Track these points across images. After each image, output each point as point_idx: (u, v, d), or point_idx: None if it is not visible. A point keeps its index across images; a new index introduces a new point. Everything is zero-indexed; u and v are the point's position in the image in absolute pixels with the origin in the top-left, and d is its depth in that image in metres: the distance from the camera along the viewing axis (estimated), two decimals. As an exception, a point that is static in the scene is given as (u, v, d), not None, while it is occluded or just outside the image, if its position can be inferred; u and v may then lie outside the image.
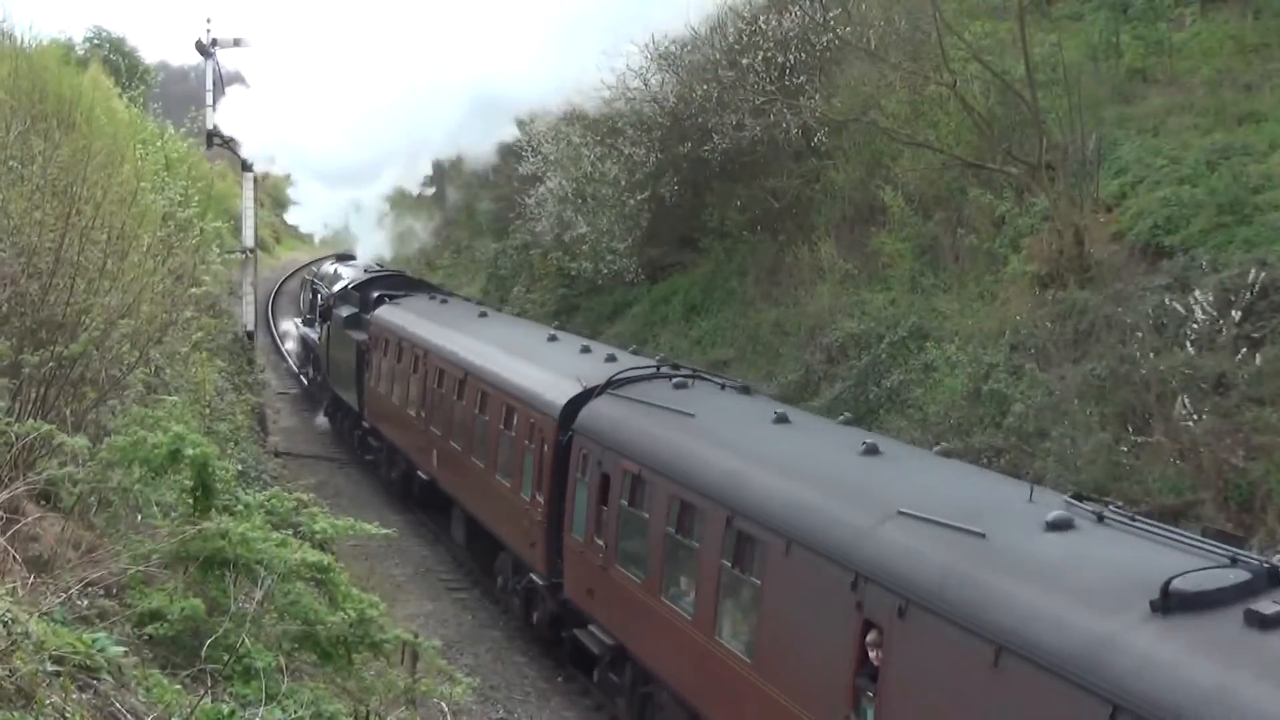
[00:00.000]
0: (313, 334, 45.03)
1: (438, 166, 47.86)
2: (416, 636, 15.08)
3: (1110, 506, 13.29)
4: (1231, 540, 11.85)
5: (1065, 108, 27.47)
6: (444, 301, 36.53)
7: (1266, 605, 9.80)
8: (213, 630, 11.26)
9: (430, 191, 53.90)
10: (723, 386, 21.71)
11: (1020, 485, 14.70)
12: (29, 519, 11.50)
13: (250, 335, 44.15)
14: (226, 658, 10.92)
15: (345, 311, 38.26)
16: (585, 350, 25.48)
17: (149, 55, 72.75)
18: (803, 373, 30.73)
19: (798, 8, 35.98)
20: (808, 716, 14.01)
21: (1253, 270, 22.06)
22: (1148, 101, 28.81)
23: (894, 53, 32.89)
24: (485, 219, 55.69)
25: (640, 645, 18.75)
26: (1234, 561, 10.92)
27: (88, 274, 15.25)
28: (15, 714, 7.76)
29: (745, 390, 21.67)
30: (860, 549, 13.48)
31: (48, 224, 15.53)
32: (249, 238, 45.63)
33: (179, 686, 9.97)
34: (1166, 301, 22.95)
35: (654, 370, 22.47)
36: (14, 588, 9.56)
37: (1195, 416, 21.09)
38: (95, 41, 63.29)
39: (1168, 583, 10.33)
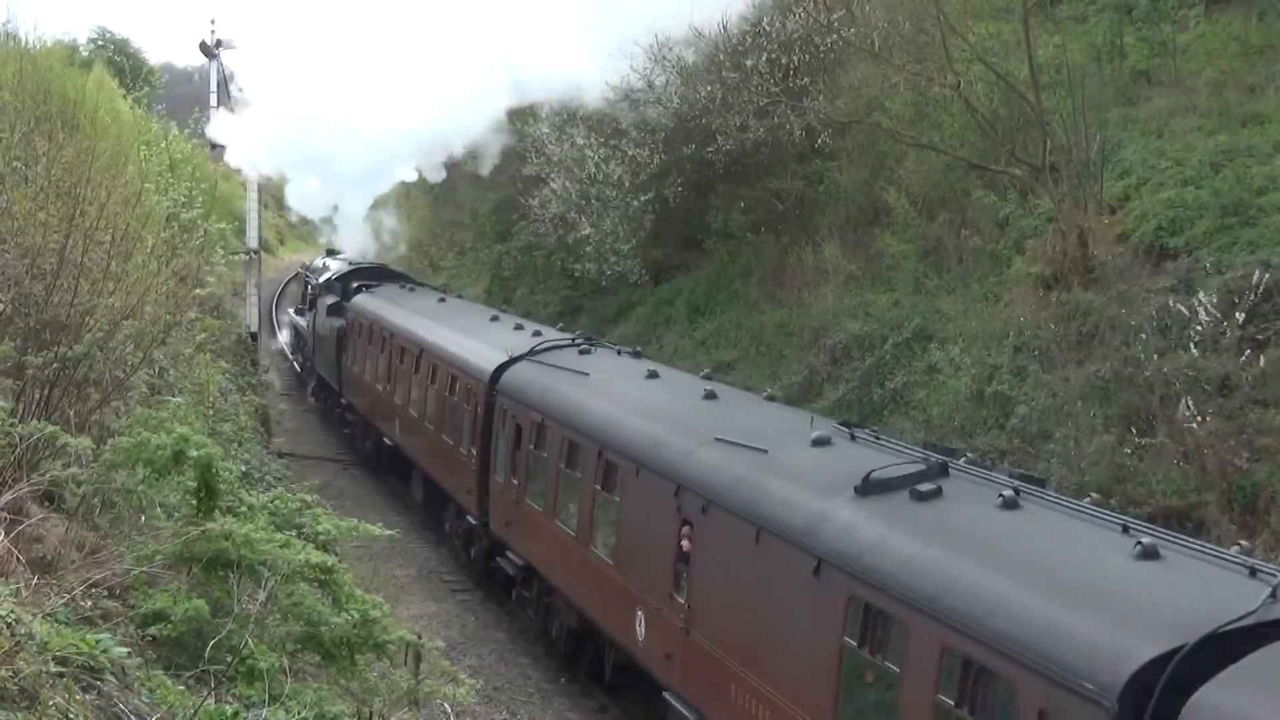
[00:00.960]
0: (302, 322, 48.22)
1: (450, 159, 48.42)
2: (420, 638, 15.11)
3: (867, 430, 18.30)
4: (940, 450, 16.41)
5: (1069, 109, 27.45)
6: (411, 290, 39.99)
7: (927, 487, 14.05)
8: (216, 631, 11.27)
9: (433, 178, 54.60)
10: (619, 352, 25.57)
11: (805, 415, 19.43)
12: (33, 520, 11.50)
13: (254, 336, 44.16)
14: (230, 659, 10.93)
15: (328, 300, 41.41)
16: (519, 327, 29.01)
17: (153, 56, 72.84)
18: (806, 374, 30.72)
19: (802, 9, 35.98)
20: (647, 600, 18.32)
21: (1257, 272, 22.05)
22: (1152, 103, 28.80)
23: (898, 54, 32.88)
24: (489, 221, 55.73)
25: (542, 563, 22.95)
26: (927, 460, 15.22)
27: (92, 275, 15.26)
28: (19, 715, 7.77)
29: (636, 354, 25.43)
30: (683, 466, 17.59)
31: (52, 225, 15.54)
32: (252, 239, 45.67)
33: (182, 687, 9.99)
34: (1170, 303, 22.93)
35: (569, 341, 26.26)
36: (18, 589, 9.57)
37: (1199, 418, 21.07)
38: (99, 43, 63.31)
39: (868, 475, 14.52)
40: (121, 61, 57.63)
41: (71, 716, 8.13)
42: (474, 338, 28.75)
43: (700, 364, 31.05)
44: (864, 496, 14.38)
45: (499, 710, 21.24)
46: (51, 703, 8.08)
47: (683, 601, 17.21)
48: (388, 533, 15.63)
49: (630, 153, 38.87)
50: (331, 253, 51.62)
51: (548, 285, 47.89)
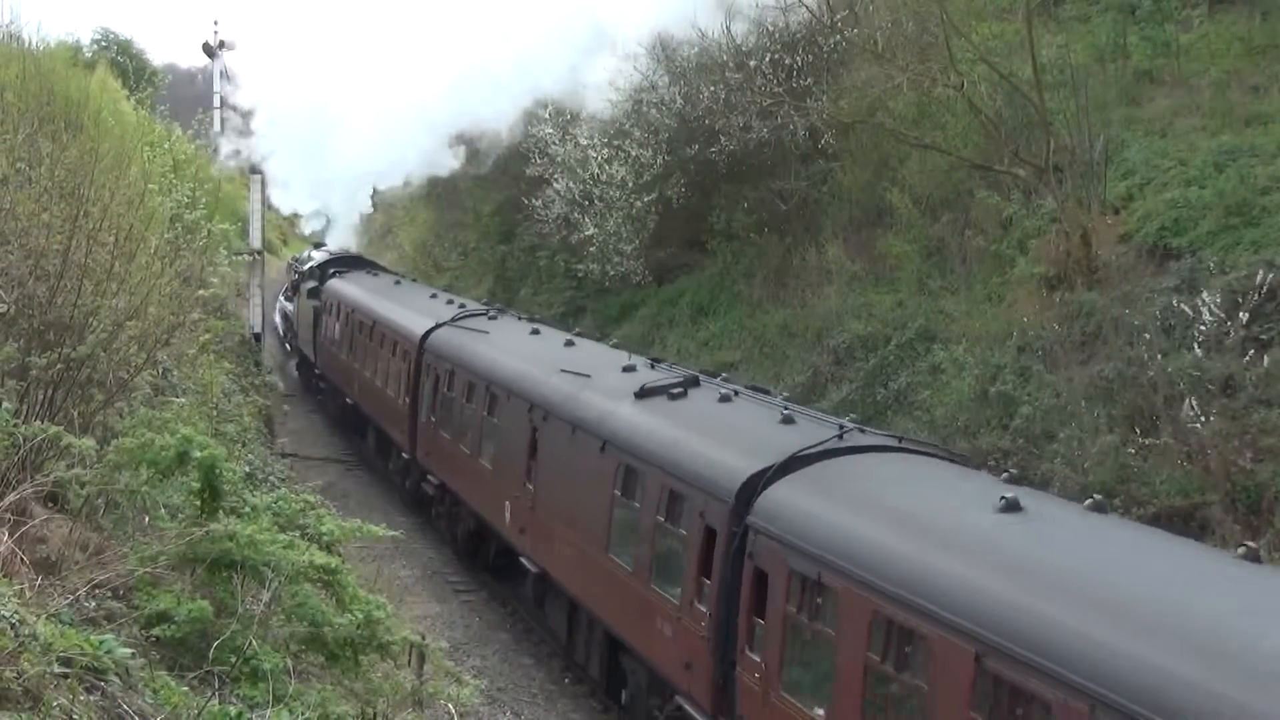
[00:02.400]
0: (289, 306, 54.18)
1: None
2: (424, 638, 15.12)
3: (667, 362, 25.12)
4: (708, 373, 23.00)
5: (1073, 109, 27.45)
6: (375, 275, 45.85)
7: (678, 392, 20.41)
8: (220, 632, 11.28)
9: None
10: (519, 318, 32.18)
11: (625, 354, 24.78)
12: (37, 521, 11.52)
13: (258, 337, 44.25)
14: (234, 659, 10.94)
15: (309, 285, 47.26)
16: (449, 302, 35.47)
17: (156, 57, 72.80)
18: (810, 374, 30.71)
19: (805, 10, 35.99)
20: (511, 491, 24.52)
21: (1260, 272, 22.03)
22: (1155, 103, 28.78)
23: (901, 54, 32.87)
24: (492, 221, 55.80)
25: (451, 480, 29.25)
26: (684, 377, 21.46)
27: (95, 276, 15.26)
28: (23, 715, 7.78)
29: (532, 320, 31.49)
30: (535, 391, 24.01)
31: (55, 226, 15.55)
32: (256, 239, 45.72)
33: (186, 688, 9.99)
34: (1174, 303, 22.92)
35: (483, 312, 32.54)
36: (22, 589, 9.58)
37: (1203, 418, 21.06)
38: (103, 44, 63.24)
39: (643, 385, 20.83)
40: (125, 63, 57.71)
41: (75, 717, 8.14)
42: (412, 310, 35.15)
43: (703, 365, 31.08)
44: (639, 399, 20.53)
45: (503, 711, 21.25)
46: (55, 703, 8.09)
47: (531, 488, 23.56)
48: (391, 533, 15.64)
49: (633, 153, 38.89)
50: (318, 245, 57.47)
51: (551, 286, 47.90)
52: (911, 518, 14.01)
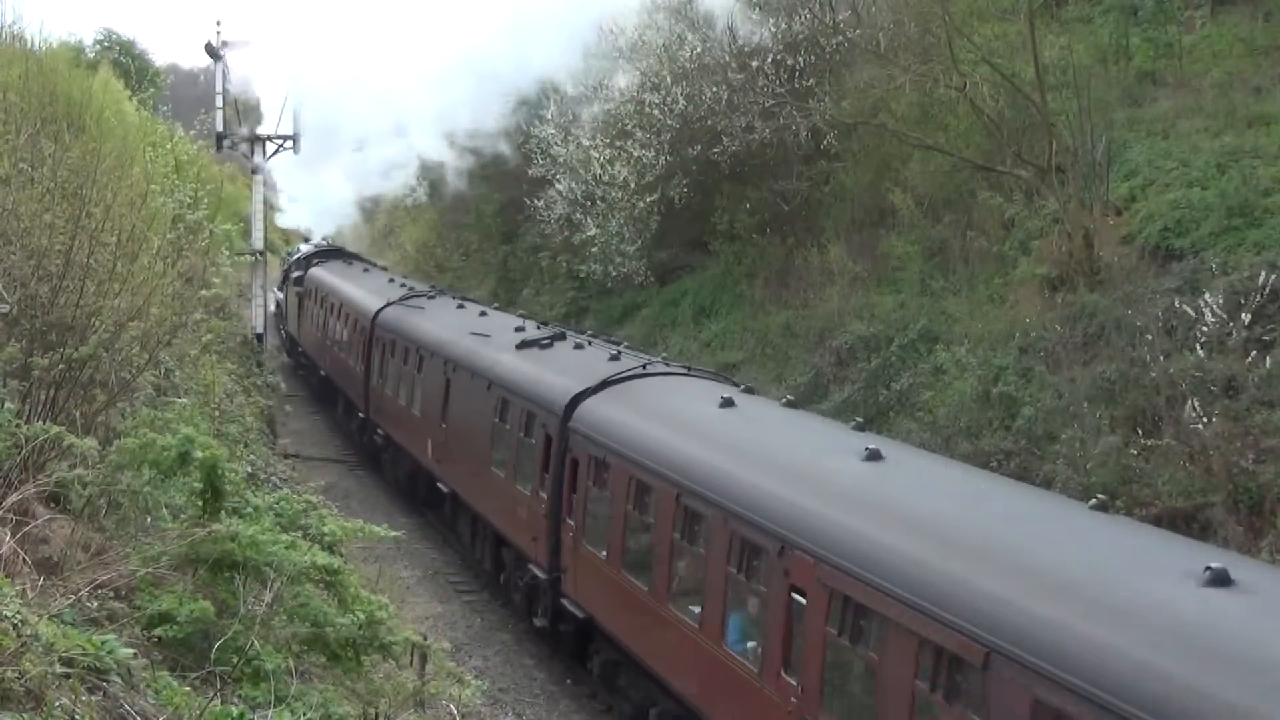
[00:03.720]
0: (280, 295, 58.77)
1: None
2: (425, 639, 15.11)
3: (556, 326, 30.47)
4: (577, 332, 30.66)
5: (1075, 110, 27.44)
6: (349, 264, 50.76)
7: (546, 343, 26.11)
8: (222, 632, 11.27)
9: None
10: (453, 298, 38.25)
11: (522, 320, 31.39)
12: (39, 521, 11.51)
13: (260, 338, 44.27)
14: (236, 660, 10.94)
15: (295, 274, 52.39)
16: (401, 285, 41.07)
17: (159, 58, 72.76)
18: (812, 375, 30.72)
19: (807, 11, 36.00)
20: (431, 430, 29.99)
21: (1263, 273, 22.03)
22: (1157, 104, 28.79)
23: (903, 55, 32.89)
24: (494, 222, 55.85)
25: (393, 430, 34.58)
26: (553, 331, 27.70)
27: (97, 276, 15.25)
28: (25, 715, 7.77)
29: (464, 299, 38.50)
30: (449, 349, 29.57)
31: (58, 226, 15.54)
32: (258, 240, 45.72)
33: (188, 688, 9.98)
34: (1176, 304, 22.92)
35: (426, 294, 38.00)
36: (24, 589, 9.57)
37: (1205, 419, 21.05)
38: (105, 44, 63.24)
39: (522, 340, 26.64)
40: (127, 63, 57.70)
41: (77, 717, 8.14)
42: (370, 292, 40.45)
43: (705, 365, 31.09)
44: (518, 350, 26.28)
45: (504, 711, 21.24)
46: (57, 704, 8.09)
47: (444, 426, 29.00)
48: (393, 534, 15.63)
49: (636, 154, 38.91)
50: (307, 240, 63.02)
51: (553, 286, 47.94)
52: (663, 414, 19.94)
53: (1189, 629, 10.07)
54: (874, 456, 15.56)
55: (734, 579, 15.93)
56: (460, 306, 35.26)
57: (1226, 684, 9.28)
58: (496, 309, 35.23)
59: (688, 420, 19.14)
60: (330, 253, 54.61)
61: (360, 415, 38.38)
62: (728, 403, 19.29)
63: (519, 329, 28.57)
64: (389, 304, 36.91)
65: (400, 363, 33.51)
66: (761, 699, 14.89)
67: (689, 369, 24.24)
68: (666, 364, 24.00)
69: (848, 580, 13.30)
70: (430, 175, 55.34)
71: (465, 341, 29.00)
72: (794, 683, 14.15)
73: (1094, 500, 14.00)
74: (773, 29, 36.37)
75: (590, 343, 26.67)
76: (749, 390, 22.14)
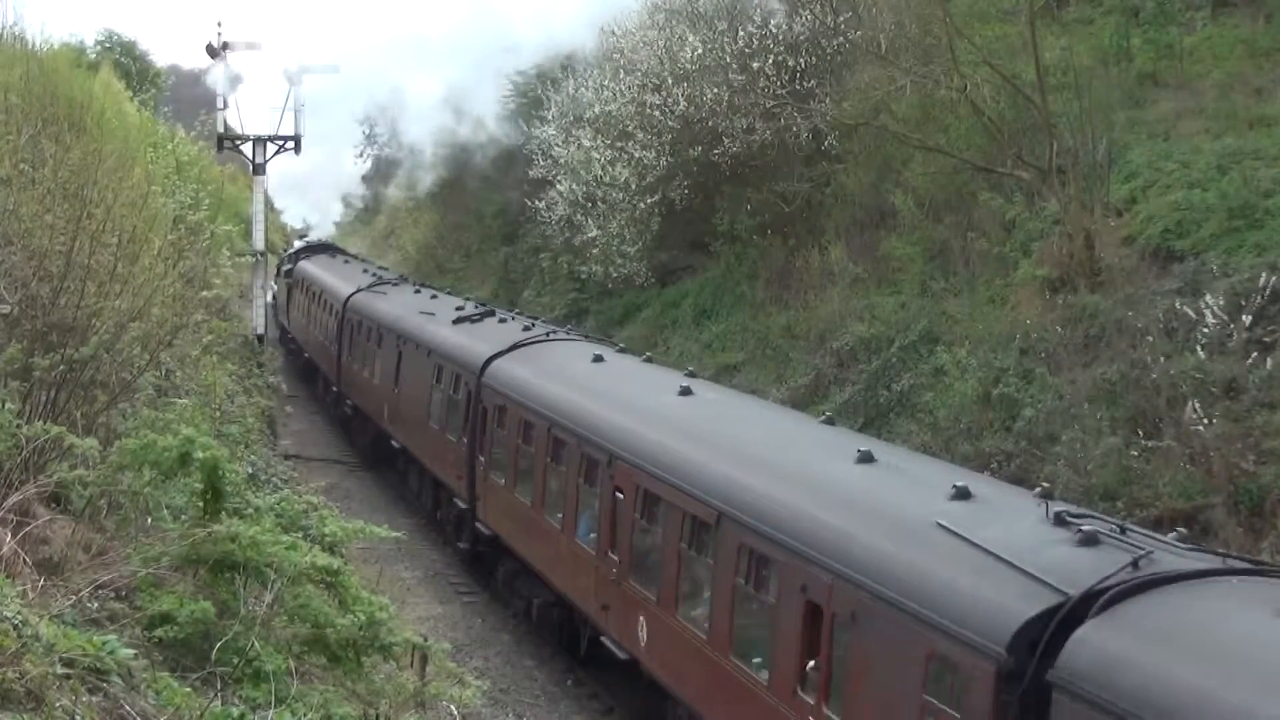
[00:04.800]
0: (274, 287, 61.63)
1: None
2: (426, 640, 15.10)
3: (494, 310, 33.62)
4: (506, 308, 36.60)
5: (1076, 112, 27.44)
6: (333, 257, 55.93)
7: (478, 318, 31.63)
8: (222, 633, 11.27)
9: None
10: (413, 284, 43.16)
11: (464, 300, 37.19)
12: (39, 521, 11.52)
13: (260, 338, 44.28)
14: (236, 660, 10.94)
15: (286, 267, 57.96)
16: (372, 275, 45.48)
17: (160, 59, 72.55)
18: (813, 377, 30.71)
19: (808, 12, 36.00)
20: (388, 396, 34.73)
21: (1263, 274, 22.02)
22: (1158, 105, 28.78)
23: (904, 57, 32.90)
24: (495, 223, 55.91)
25: (360, 402, 39.00)
26: (485, 309, 33.31)
27: (98, 277, 15.26)
28: (25, 716, 7.78)
29: (423, 284, 43.59)
30: (401, 325, 34.36)
31: (59, 227, 15.56)
32: (259, 241, 45.74)
33: (189, 689, 9.98)
34: (1177, 306, 22.92)
35: (392, 280, 43.83)
36: (24, 590, 9.58)
37: (1206, 421, 21.05)
38: (106, 45, 63.16)
39: (458, 316, 32.02)
40: (128, 64, 57.68)
41: (78, 718, 8.14)
42: (343, 280, 45.07)
43: (706, 366, 31.07)
44: (454, 325, 31.19)
45: (505, 712, 21.25)
46: (58, 704, 8.09)
47: (397, 391, 33.82)
48: (394, 535, 15.63)
49: (636, 155, 38.91)
50: (302, 236, 68.42)
51: (554, 287, 47.97)
52: (548, 370, 24.86)
53: (840, 490, 15.31)
54: (685, 392, 20.89)
55: (582, 488, 21.23)
56: (416, 291, 40.19)
57: (854, 522, 14.30)
58: (448, 293, 39.92)
59: (564, 373, 24.47)
60: (317, 248, 59.65)
61: (334, 389, 43.29)
62: (598, 359, 24.77)
63: (459, 308, 33.53)
64: (358, 290, 41.53)
65: (364, 340, 38.39)
66: (598, 574, 20.43)
67: (586, 336, 30.99)
68: (568, 333, 30.25)
69: (646, 478, 18.66)
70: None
71: (414, 319, 33.89)
72: (615, 558, 19.66)
73: (825, 415, 20.49)
74: (774, 29, 36.37)
75: (514, 317, 32.34)
76: (623, 350, 27.66)
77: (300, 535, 13.83)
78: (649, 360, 26.14)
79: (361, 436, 39.82)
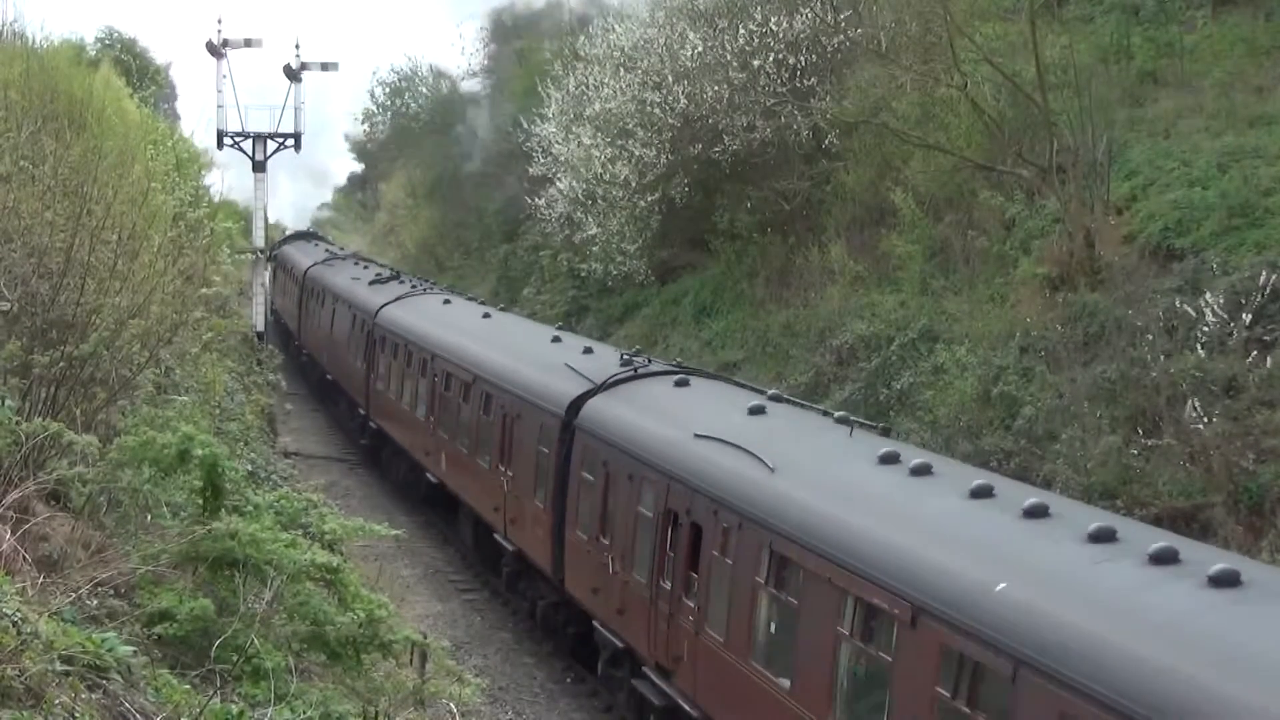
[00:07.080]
0: (266, 274, 67.06)
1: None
2: (425, 637, 15.12)
3: (400, 274, 45.56)
4: (451, 289, 43.77)
5: (1076, 110, 27.41)
6: (310, 242, 63.40)
7: (387, 281, 42.44)
8: (222, 630, 11.28)
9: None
10: (355, 260, 51.27)
11: (430, 284, 44.21)
12: (39, 519, 11.51)
13: (260, 336, 44.34)
14: (235, 658, 10.95)
15: (274, 252, 60.83)
16: (327, 252, 53.94)
17: (160, 56, 72.58)
18: (813, 374, 30.68)
19: (809, 10, 35.99)
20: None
21: (1264, 273, 22.00)
22: (1159, 104, 28.76)
23: (905, 55, 32.86)
24: (495, 221, 55.94)
25: (313, 353, 46.68)
26: (396, 275, 44.85)
27: (98, 274, 15.27)
28: (25, 713, 7.78)
29: (368, 261, 51.66)
30: (337, 289, 43.78)
31: (58, 224, 15.57)
32: (259, 238, 45.78)
33: (188, 686, 9.99)
34: (1177, 304, 22.89)
35: (340, 257, 52.24)
36: (24, 587, 9.58)
37: (1205, 419, 21.03)
38: (106, 42, 63.14)
39: (374, 278, 42.57)
40: (128, 61, 57.65)
41: (77, 715, 8.14)
42: (305, 257, 52.56)
43: (707, 364, 31.04)
44: (369, 285, 40.38)
45: (504, 710, 21.25)
46: (57, 701, 8.09)
47: (332, 337, 41.81)
48: (393, 532, 15.66)
49: (637, 153, 38.88)
50: (283, 231, 74.83)
51: (554, 285, 47.96)
52: (432, 317, 34.16)
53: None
54: (555, 340, 27.42)
55: (480, 418, 27.11)
56: (356, 264, 49.34)
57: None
58: (384, 266, 50.42)
59: (452, 322, 32.49)
60: (301, 235, 68.92)
61: (297, 344, 53.09)
62: (486, 315, 33.19)
63: (378, 274, 43.54)
64: (314, 264, 50.67)
65: (319, 307, 46.48)
66: (495, 483, 25.74)
67: (469, 297, 40.77)
68: (452, 291, 40.92)
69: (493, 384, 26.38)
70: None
71: (345, 284, 43.27)
72: (509, 472, 24.92)
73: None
74: (774, 26, 36.34)
75: (414, 284, 41.11)
76: (505, 309, 36.80)
77: (300, 533, 13.85)
78: (561, 329, 31.07)
79: (310, 375, 50.29)
